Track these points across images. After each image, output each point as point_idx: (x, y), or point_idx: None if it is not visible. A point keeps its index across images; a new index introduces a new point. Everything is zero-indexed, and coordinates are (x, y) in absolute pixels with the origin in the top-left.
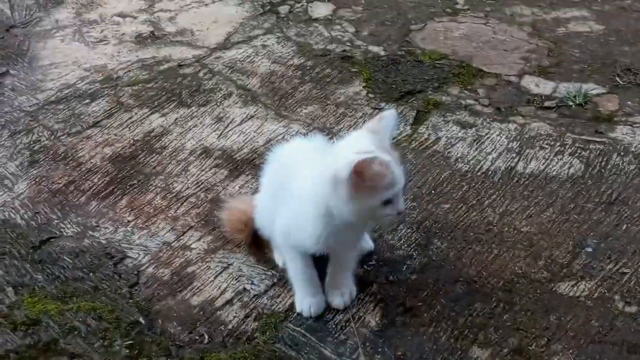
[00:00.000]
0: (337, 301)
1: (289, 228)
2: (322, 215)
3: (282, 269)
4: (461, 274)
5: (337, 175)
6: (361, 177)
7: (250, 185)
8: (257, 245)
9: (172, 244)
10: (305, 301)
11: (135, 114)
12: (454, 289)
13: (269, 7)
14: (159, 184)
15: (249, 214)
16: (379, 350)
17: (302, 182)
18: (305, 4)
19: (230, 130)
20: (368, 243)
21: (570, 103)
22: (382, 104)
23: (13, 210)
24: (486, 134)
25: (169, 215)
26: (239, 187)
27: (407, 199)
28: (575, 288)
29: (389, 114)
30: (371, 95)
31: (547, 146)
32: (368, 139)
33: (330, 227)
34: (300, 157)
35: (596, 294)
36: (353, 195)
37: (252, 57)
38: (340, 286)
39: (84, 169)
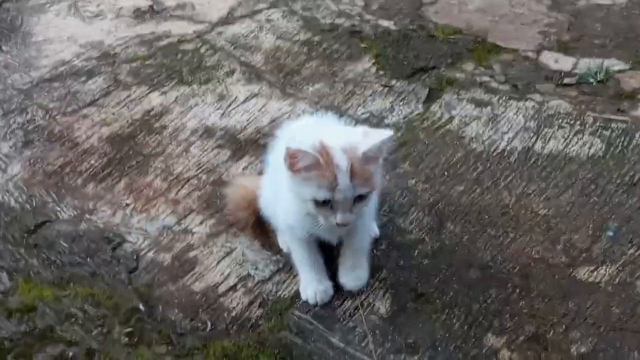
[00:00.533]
0: (350, 284)
1: (287, 211)
2: (293, 199)
3: (287, 254)
4: (475, 259)
5: (285, 149)
6: (293, 162)
7: (254, 167)
8: (262, 228)
9: (173, 228)
10: (310, 288)
11: (134, 92)
12: (467, 275)
13: None
14: (159, 166)
15: (253, 193)
16: (389, 338)
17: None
18: None
19: (233, 109)
20: (373, 229)
21: (591, 80)
22: (393, 82)
23: (7, 193)
24: (502, 112)
25: (170, 198)
26: (243, 169)
27: (418, 180)
28: (595, 273)
29: (385, 136)
30: (381, 72)
31: (566, 125)
32: (349, 137)
33: (304, 210)
34: (308, 135)
35: (617, 280)
36: (291, 177)
37: (256, 32)
38: (353, 268)
39: (80, 149)
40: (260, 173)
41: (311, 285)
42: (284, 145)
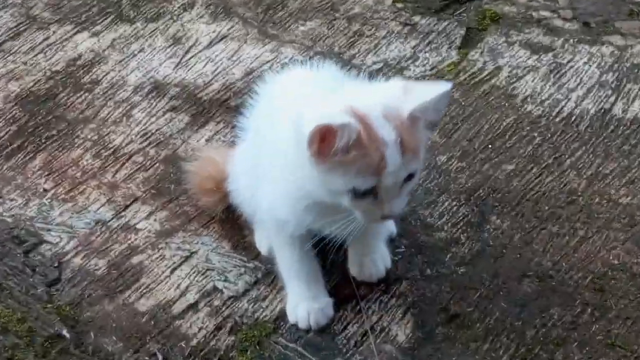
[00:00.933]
0: (367, 271)
1: (275, 199)
2: (293, 183)
3: (269, 258)
4: (530, 266)
5: (299, 129)
6: (324, 145)
7: (223, 137)
8: (233, 223)
9: (109, 223)
10: (301, 307)
11: (54, 33)
12: (520, 288)
13: None
14: (89, 136)
15: (224, 173)
16: None
17: (279, 130)
18: None
19: (192, 56)
20: (388, 225)
21: None
22: (417, 18)
23: None
24: (568, 61)
25: (104, 181)
26: (206, 140)
27: (452, 156)
28: None
29: (441, 90)
30: (400, 5)
31: None
32: (382, 96)
33: (307, 202)
34: (300, 94)
35: None
36: (314, 165)
37: None
38: (369, 252)
39: None
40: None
41: (303, 303)
42: (289, 121)
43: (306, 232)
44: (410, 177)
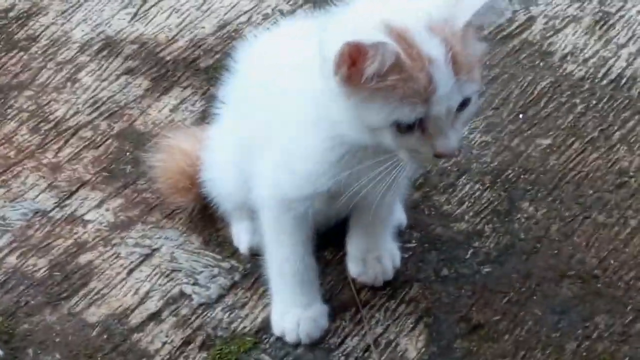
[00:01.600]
0: (371, 271)
1: (280, 171)
2: (322, 127)
3: (247, 257)
4: (571, 265)
5: (323, 54)
6: (355, 69)
7: (191, 108)
8: (204, 213)
9: (51, 214)
10: (289, 316)
11: None
12: (558, 291)
13: None
14: (25, 106)
15: (198, 162)
16: None
17: (290, 81)
18: None
19: (153, 6)
20: (396, 215)
21: None
22: None
23: None
24: (618, 10)
25: (44, 161)
26: (170, 111)
27: (474, 129)
28: None
29: None
30: None
31: None
32: (427, 7)
33: (341, 150)
34: (296, 51)
35: None
36: (345, 96)
37: None
38: (374, 249)
39: None
40: (204, 122)
41: (292, 311)
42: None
43: (313, 218)
44: (465, 103)
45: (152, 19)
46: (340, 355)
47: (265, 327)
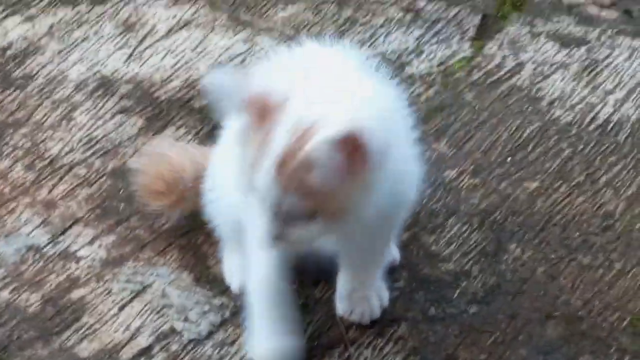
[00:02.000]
0: (359, 310)
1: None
2: None
3: (239, 294)
4: (556, 306)
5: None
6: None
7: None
8: (195, 250)
9: (44, 250)
10: (262, 346)
11: None
12: (543, 332)
13: None
14: (21, 143)
15: (182, 171)
16: None
17: None
18: None
19: (148, 47)
20: (390, 252)
21: None
22: (422, 3)
23: None
24: (605, 57)
25: (39, 198)
26: None
27: (463, 171)
28: None
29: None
30: None
31: None
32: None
33: None
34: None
35: None
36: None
37: None
38: (362, 288)
39: None
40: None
41: (266, 341)
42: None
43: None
44: (292, 215)
45: (147, 60)
46: None
47: None
